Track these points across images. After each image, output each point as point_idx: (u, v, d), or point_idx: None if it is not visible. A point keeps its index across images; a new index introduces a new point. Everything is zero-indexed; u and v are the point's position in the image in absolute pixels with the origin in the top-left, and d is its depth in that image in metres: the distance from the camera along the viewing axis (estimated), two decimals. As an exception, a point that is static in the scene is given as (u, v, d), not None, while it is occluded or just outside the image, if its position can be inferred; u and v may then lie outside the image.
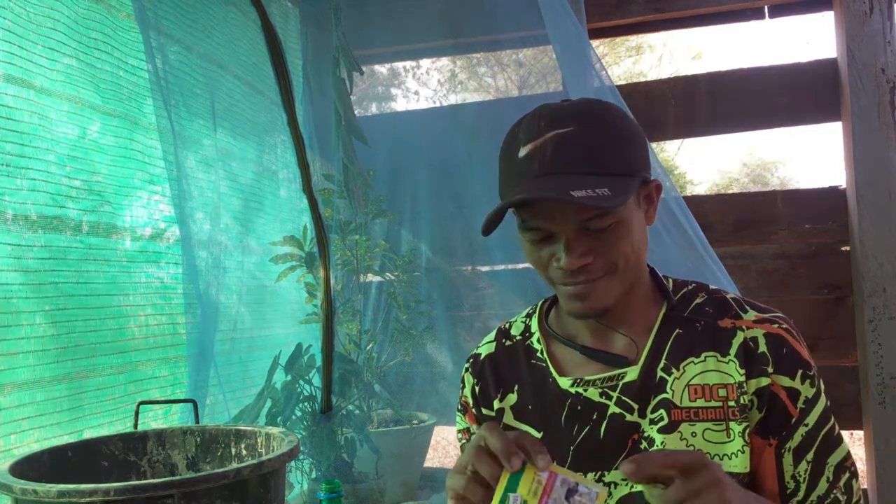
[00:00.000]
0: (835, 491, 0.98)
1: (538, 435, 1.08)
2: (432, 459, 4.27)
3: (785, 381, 0.98)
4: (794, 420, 0.98)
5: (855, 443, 5.05)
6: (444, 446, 5.08)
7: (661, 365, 1.02)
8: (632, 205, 0.98)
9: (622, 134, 0.97)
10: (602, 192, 0.89)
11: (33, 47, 1.50)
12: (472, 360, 1.20)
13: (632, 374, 1.02)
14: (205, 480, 1.00)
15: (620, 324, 1.05)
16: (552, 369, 1.09)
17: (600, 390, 1.04)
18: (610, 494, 1.01)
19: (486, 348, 1.19)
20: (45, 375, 1.49)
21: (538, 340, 1.13)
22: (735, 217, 2.30)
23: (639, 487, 0.99)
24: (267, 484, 1.11)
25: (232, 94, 2.22)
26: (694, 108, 2.35)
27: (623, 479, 1.01)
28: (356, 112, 2.34)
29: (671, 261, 1.81)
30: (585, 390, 1.05)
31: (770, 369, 0.98)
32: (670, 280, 1.10)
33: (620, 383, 1.03)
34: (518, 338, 1.17)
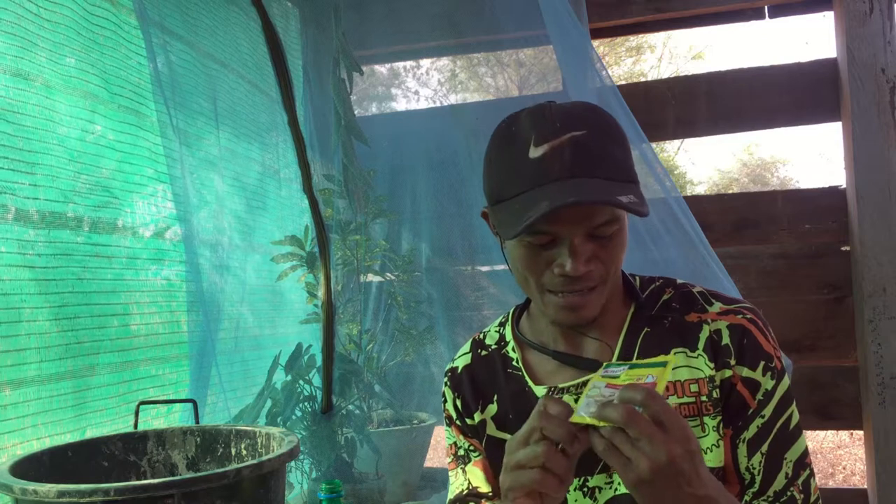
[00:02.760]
0: (792, 489, 0.98)
1: None
2: (432, 459, 4.26)
3: (746, 372, 0.98)
4: (750, 411, 0.98)
5: (855, 443, 5.05)
6: (444, 446, 5.08)
7: None
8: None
9: (625, 142, 0.98)
10: (630, 198, 0.90)
11: (42, 42, 1.50)
12: (450, 374, 1.20)
13: None
14: (205, 480, 1.00)
15: (592, 328, 1.04)
16: (527, 378, 1.09)
17: (575, 396, 1.03)
18: (595, 500, 1.01)
19: (462, 360, 1.19)
20: (49, 373, 1.49)
21: (513, 349, 1.13)
22: (735, 217, 2.29)
23: (623, 490, 0.98)
24: (267, 484, 1.11)
25: (234, 92, 2.22)
26: (694, 108, 2.35)
27: (607, 483, 1.01)
28: (356, 112, 2.34)
29: (671, 261, 1.81)
30: (560, 398, 1.04)
31: (732, 361, 0.99)
32: (637, 278, 1.10)
33: None
34: (493, 347, 1.16)
